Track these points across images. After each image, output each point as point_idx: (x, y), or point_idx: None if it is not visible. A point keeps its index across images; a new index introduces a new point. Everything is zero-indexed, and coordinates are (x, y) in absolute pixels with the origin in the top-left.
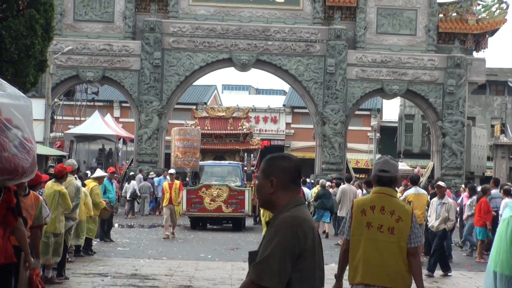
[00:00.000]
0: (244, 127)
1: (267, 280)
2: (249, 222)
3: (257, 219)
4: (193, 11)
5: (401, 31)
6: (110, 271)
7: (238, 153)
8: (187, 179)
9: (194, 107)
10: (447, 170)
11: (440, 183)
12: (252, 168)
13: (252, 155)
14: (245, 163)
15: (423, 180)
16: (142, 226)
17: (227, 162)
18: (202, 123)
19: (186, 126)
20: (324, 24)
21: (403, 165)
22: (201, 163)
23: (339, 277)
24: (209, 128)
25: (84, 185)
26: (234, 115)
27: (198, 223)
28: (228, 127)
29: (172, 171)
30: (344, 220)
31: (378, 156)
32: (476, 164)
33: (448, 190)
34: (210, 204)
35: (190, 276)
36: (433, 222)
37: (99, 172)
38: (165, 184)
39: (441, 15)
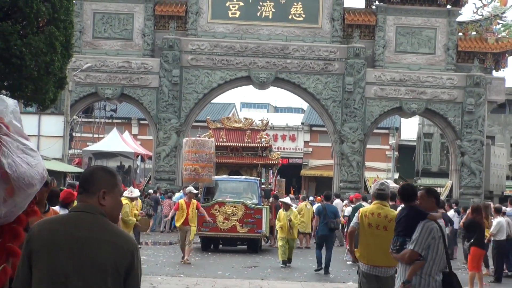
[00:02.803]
0: (263, 139)
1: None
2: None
3: (269, 240)
4: (212, 29)
5: (420, 49)
6: None
7: (255, 168)
8: (199, 195)
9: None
10: (465, 189)
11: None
12: (269, 185)
13: (271, 170)
14: (262, 179)
15: (441, 198)
16: (160, 243)
17: (243, 177)
18: (216, 134)
19: (199, 137)
20: (343, 42)
21: (391, 182)
22: (214, 178)
23: (351, 252)
24: (224, 140)
25: None
26: (252, 126)
27: (210, 244)
28: (245, 140)
29: (190, 188)
30: (355, 217)
31: (397, 174)
32: (495, 183)
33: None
34: (223, 223)
35: None
36: None
37: (135, 192)
38: (181, 202)
39: (460, 34)
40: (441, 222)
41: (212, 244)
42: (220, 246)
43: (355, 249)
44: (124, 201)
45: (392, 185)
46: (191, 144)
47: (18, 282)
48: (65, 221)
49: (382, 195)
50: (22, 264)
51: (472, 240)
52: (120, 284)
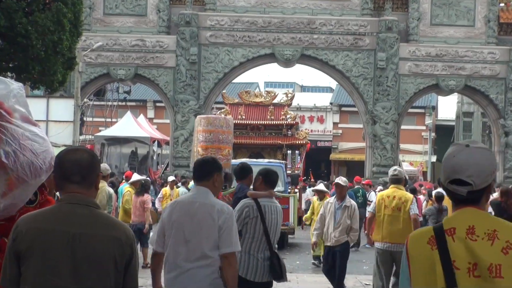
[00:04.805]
0: (288, 116)
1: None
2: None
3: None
4: (232, 2)
5: (458, 22)
6: None
7: (280, 150)
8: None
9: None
10: (510, 172)
11: (340, 180)
12: (297, 171)
13: (297, 152)
14: (288, 162)
15: None
16: None
17: (266, 160)
18: (234, 111)
19: (214, 114)
20: (373, 15)
21: (406, 165)
22: (233, 161)
23: (368, 236)
24: (244, 117)
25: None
26: (275, 101)
27: None
28: (268, 116)
29: None
30: (372, 202)
31: (434, 157)
32: None
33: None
34: None
35: None
36: (330, 231)
37: (135, 176)
38: None
39: (502, 4)
40: (269, 202)
41: None
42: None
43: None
44: (126, 188)
45: (408, 168)
46: (204, 122)
47: (6, 281)
48: (57, 216)
49: (396, 179)
50: (10, 262)
51: None
52: (120, 279)
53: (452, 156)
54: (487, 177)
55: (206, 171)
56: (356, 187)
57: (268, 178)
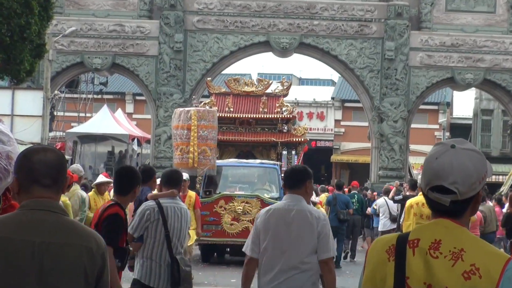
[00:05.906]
0: (283, 108)
1: None
2: None
3: None
4: None
5: (477, 7)
6: None
7: (274, 148)
8: (197, 186)
9: None
10: None
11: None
12: None
13: (294, 152)
14: (284, 163)
15: (504, 189)
16: None
17: (258, 161)
18: (220, 102)
19: (195, 106)
20: None
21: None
22: (218, 162)
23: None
24: (231, 110)
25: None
26: (269, 90)
27: (213, 253)
28: (260, 109)
29: (185, 176)
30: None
31: None
32: None
33: None
34: (231, 225)
35: None
36: None
37: (100, 178)
38: None
39: None
40: (171, 203)
41: (216, 253)
42: (227, 256)
43: None
44: (91, 193)
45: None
46: (183, 116)
47: None
48: (20, 224)
49: None
50: None
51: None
52: None
53: (434, 158)
54: (474, 184)
55: (298, 179)
56: (352, 192)
57: (167, 177)
